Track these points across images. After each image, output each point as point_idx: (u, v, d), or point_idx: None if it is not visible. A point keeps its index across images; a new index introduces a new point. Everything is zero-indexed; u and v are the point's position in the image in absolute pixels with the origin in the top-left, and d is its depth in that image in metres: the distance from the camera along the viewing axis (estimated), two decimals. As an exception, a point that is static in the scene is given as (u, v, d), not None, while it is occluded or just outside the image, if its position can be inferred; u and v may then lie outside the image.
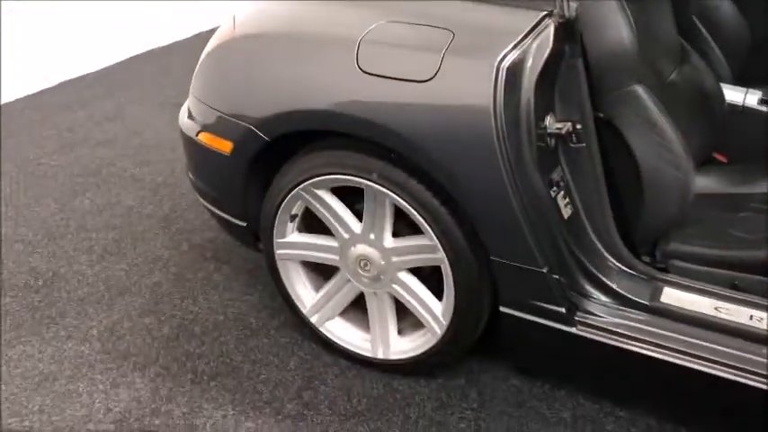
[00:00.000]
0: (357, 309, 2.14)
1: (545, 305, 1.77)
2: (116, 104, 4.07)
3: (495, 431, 1.92)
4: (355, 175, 1.86)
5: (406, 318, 2.08)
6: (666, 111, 1.83)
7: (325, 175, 1.90)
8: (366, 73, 1.74)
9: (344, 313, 2.17)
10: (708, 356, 1.65)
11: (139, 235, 2.85)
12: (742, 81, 2.36)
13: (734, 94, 2.26)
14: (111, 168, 3.37)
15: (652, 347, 1.70)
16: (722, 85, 2.26)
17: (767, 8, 2.57)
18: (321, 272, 2.17)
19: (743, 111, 2.23)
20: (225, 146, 2.00)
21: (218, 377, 2.15)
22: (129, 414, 2.03)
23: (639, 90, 1.77)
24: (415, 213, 1.83)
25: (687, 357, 1.67)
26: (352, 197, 1.97)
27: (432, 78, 1.67)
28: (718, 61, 2.41)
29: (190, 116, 2.15)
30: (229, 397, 2.08)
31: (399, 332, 2.10)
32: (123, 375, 2.17)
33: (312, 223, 2.08)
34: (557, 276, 1.74)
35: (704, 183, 2.11)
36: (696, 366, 1.66)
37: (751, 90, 2.27)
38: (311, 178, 1.92)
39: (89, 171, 3.35)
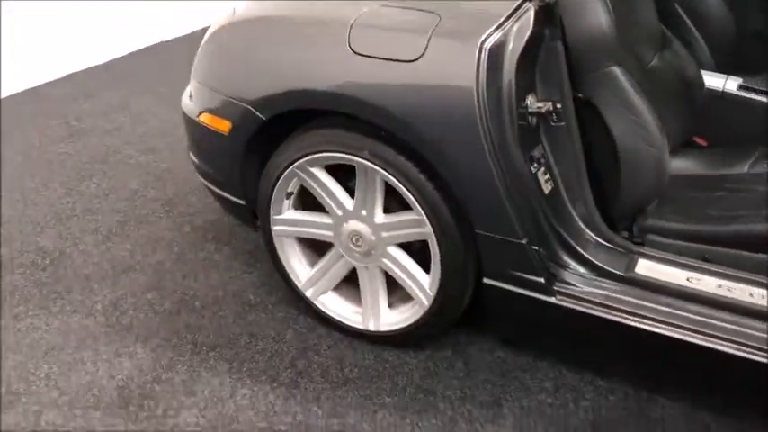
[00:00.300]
0: (349, 283, 2.24)
1: (525, 275, 1.87)
2: (122, 95, 4.16)
3: (479, 399, 2.01)
4: (347, 153, 1.96)
5: (396, 292, 2.17)
6: (645, 93, 1.93)
7: (319, 153, 2.00)
8: (357, 54, 1.83)
9: (338, 288, 2.26)
10: (679, 323, 1.75)
11: (143, 218, 2.95)
12: (726, 72, 2.43)
13: (714, 80, 2.35)
14: (117, 155, 3.47)
15: (626, 315, 1.79)
16: (703, 71, 2.35)
17: (752, 1, 2.65)
18: (315, 248, 2.27)
19: (722, 96, 2.32)
20: (224, 126, 2.10)
21: (217, 348, 2.24)
22: (132, 381, 2.13)
23: (617, 72, 1.86)
24: (404, 189, 1.92)
25: (660, 324, 1.76)
26: (345, 175, 2.07)
27: (418, 59, 1.76)
28: (701, 51, 2.49)
29: (191, 98, 2.25)
30: (227, 366, 2.17)
31: (389, 305, 2.19)
32: (126, 346, 2.27)
33: (307, 201, 2.18)
34: (536, 248, 1.83)
35: (683, 165, 2.21)
36: (668, 333, 1.75)
37: (731, 76, 2.36)
38: (305, 156, 2.02)
39: (95, 158, 3.45)
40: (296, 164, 2.04)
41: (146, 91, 4.19)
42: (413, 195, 1.92)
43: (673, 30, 2.34)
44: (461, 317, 2.11)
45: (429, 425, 1.95)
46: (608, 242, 1.89)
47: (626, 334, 1.79)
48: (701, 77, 2.31)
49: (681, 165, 2.20)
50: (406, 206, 1.98)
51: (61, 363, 2.21)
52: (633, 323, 1.78)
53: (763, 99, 2.27)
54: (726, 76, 2.35)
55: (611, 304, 1.80)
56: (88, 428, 1.99)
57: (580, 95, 1.87)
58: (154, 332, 2.32)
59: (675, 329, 1.74)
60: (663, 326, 1.76)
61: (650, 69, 2.12)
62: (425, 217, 1.93)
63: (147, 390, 2.10)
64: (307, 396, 2.06)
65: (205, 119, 2.16)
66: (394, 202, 2.03)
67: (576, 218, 1.90)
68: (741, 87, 2.31)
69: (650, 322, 1.77)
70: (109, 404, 2.06)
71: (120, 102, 4.07)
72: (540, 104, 1.80)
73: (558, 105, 1.82)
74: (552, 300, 1.86)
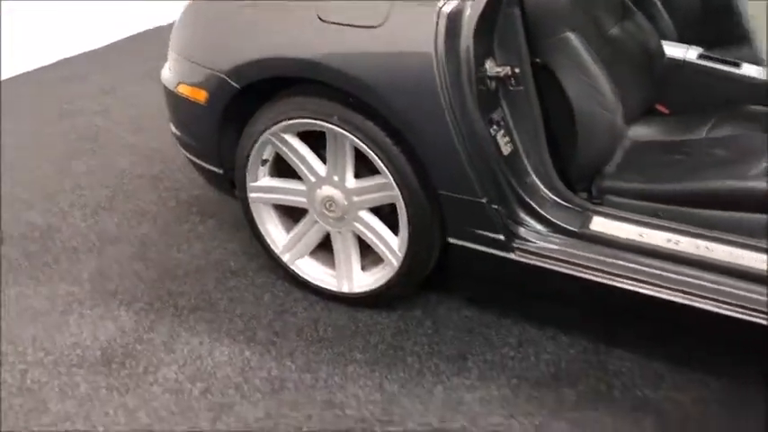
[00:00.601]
0: (324, 248, 2.32)
1: (486, 233, 1.95)
2: (113, 79, 4.25)
3: (446, 354, 2.10)
4: (317, 119, 2.04)
5: (369, 255, 2.26)
6: (603, 60, 2.01)
7: (290, 119, 2.08)
8: (325, 22, 1.92)
9: (313, 253, 2.35)
10: (630, 276, 1.83)
11: (131, 193, 3.04)
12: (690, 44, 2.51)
13: (675, 50, 2.43)
14: (107, 135, 3.56)
15: (580, 269, 1.87)
16: (664, 42, 2.43)
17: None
18: (291, 214, 2.35)
19: (683, 65, 2.40)
20: (201, 96, 2.19)
21: (198, 311, 2.34)
22: (115, 342, 2.23)
23: (572, 37, 1.95)
24: (372, 154, 2.01)
25: (612, 277, 1.85)
26: (318, 142, 2.15)
27: (381, 25, 1.85)
28: (665, 24, 2.57)
29: (170, 70, 2.33)
30: (206, 327, 2.27)
31: (362, 269, 2.28)
32: (110, 311, 2.36)
33: (282, 168, 2.26)
34: (496, 207, 1.92)
35: (645, 132, 2.30)
36: (620, 285, 1.84)
37: (693, 46, 2.44)
38: (278, 123, 2.10)
39: (85, 138, 3.54)
40: (269, 131, 2.13)
41: (137, 75, 4.27)
42: (380, 160, 2.00)
43: (637, 3, 2.41)
44: (431, 278, 2.19)
45: (397, 377, 2.04)
46: (565, 201, 1.97)
47: (580, 287, 1.88)
48: (662, 48, 2.39)
49: (642, 132, 2.29)
50: (375, 171, 2.07)
51: (47, 326, 2.30)
52: (587, 276, 1.86)
53: (722, 67, 2.35)
54: (687, 45, 2.43)
55: (565, 259, 1.89)
56: (71, 385, 2.08)
57: (537, 60, 1.96)
58: (137, 298, 2.41)
59: (627, 281, 1.83)
60: (615, 278, 1.84)
61: (610, 38, 2.20)
62: (393, 180, 2.02)
63: (128, 349, 2.19)
64: (282, 353, 2.15)
65: (183, 89, 2.25)
66: (364, 168, 2.12)
67: (535, 178, 1.98)
68: (701, 56, 2.39)
69: (603, 275, 1.85)
70: (92, 363, 2.15)
71: (112, 85, 4.16)
72: (498, 69, 1.89)
73: (517, 70, 1.90)
74: (512, 256, 1.94)
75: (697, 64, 2.39)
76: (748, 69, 2.32)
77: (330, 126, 2.03)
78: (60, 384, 2.08)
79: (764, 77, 2.31)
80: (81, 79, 4.25)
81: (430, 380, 2.02)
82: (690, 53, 2.41)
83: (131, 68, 4.38)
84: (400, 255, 2.12)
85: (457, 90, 1.82)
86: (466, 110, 1.84)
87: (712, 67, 2.37)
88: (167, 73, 2.36)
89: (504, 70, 1.88)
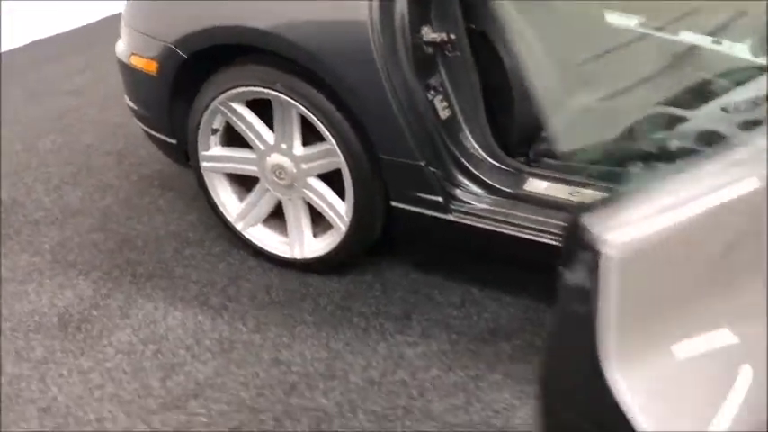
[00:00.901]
0: (278, 216, 2.39)
1: (425, 196, 2.02)
2: (85, 60, 4.28)
3: (392, 313, 2.18)
4: (262, 87, 2.10)
5: (321, 223, 2.32)
6: (539, 25, 2.07)
7: (237, 87, 2.14)
8: (266, -9, 1.98)
9: (267, 220, 2.41)
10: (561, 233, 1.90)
11: (95, 168, 3.09)
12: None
13: (622, 20, 2.48)
14: (75, 114, 3.60)
15: (516, 228, 1.94)
16: (606, 11, 2.48)
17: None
18: (244, 183, 2.41)
19: (622, 32, 2.46)
20: (151, 66, 2.24)
21: (154, 278, 2.40)
22: (72, 308, 2.29)
23: (507, 3, 2.00)
24: (316, 120, 2.07)
25: (546, 235, 1.91)
26: (269, 112, 2.21)
27: (320, -7, 1.90)
28: None
29: (123, 43, 2.38)
30: (162, 294, 2.33)
31: (314, 235, 2.34)
32: (69, 280, 2.42)
33: (235, 138, 2.32)
34: (433, 170, 1.98)
35: (583, 97, 2.35)
36: (554, 242, 1.90)
37: (634, 15, 2.49)
38: (226, 91, 2.16)
39: (54, 116, 3.58)
40: (217, 100, 2.18)
41: (109, 56, 4.28)
42: (324, 126, 2.07)
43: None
44: (382, 245, 2.26)
45: (343, 336, 2.11)
46: (501, 164, 2.04)
47: (516, 245, 1.95)
48: (601, 15, 2.44)
49: (581, 97, 2.34)
50: (322, 138, 2.13)
51: (6, 294, 2.36)
52: (521, 235, 1.93)
53: (660, 35, 2.40)
54: (629, 15, 2.48)
55: (501, 219, 1.95)
56: (28, 348, 2.14)
57: (473, 26, 2.02)
58: (96, 267, 2.48)
59: (559, 239, 1.90)
60: (548, 236, 1.91)
61: (546, 4, 2.25)
62: (336, 146, 2.08)
63: (85, 315, 2.26)
64: (233, 316, 2.22)
65: (135, 61, 2.30)
66: (312, 136, 2.18)
67: (472, 142, 2.05)
68: (641, 24, 2.44)
69: (536, 233, 1.92)
70: (49, 328, 2.22)
71: (83, 66, 4.19)
72: (434, 35, 1.95)
73: (453, 36, 1.96)
74: (450, 217, 2.01)
75: (642, 32, 2.44)
76: (685, 36, 2.38)
77: (275, 94, 2.09)
78: (17, 348, 2.15)
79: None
80: (55, 60, 4.28)
81: (374, 338, 2.10)
82: (630, 21, 2.46)
83: (105, 49, 4.38)
84: (347, 219, 2.19)
85: (393, 57, 1.88)
86: (402, 76, 1.91)
87: (652, 35, 2.42)
88: (121, 46, 2.41)
89: (441, 36, 1.94)
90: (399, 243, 2.37)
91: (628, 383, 0.70)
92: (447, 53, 1.99)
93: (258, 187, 2.34)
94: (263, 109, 2.20)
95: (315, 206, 2.26)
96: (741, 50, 2.02)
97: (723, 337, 0.75)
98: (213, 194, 2.40)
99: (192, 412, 1.90)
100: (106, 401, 1.95)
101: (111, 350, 2.12)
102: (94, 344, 2.14)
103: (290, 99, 2.08)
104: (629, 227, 0.78)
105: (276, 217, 2.39)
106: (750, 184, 0.77)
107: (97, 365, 2.07)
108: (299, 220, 2.31)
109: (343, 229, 2.21)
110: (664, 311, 0.75)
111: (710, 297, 0.76)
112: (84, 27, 4.79)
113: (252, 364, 2.04)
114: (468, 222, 1.99)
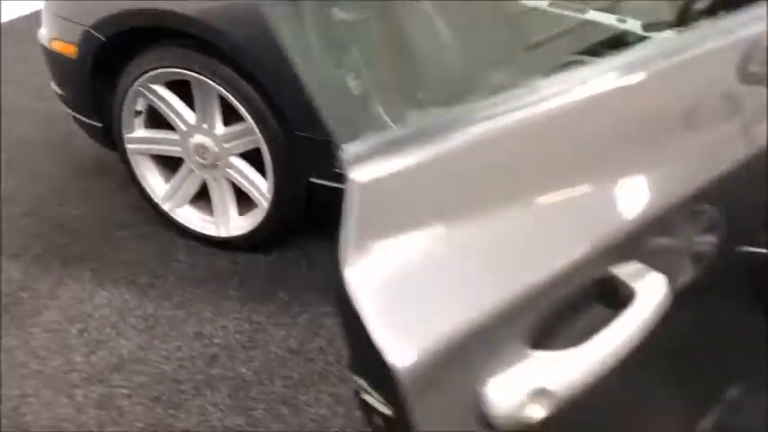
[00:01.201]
0: (204, 197, 2.43)
1: (341, 171, 2.07)
2: (24, 50, 4.26)
3: (316, 287, 2.24)
4: (180, 68, 2.14)
5: (247, 204, 2.37)
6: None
7: (156, 69, 2.18)
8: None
9: (193, 201, 2.46)
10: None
11: (29, 156, 3.10)
12: None
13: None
14: (11, 105, 3.60)
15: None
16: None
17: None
18: (170, 164, 2.45)
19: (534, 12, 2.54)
20: (71, 50, 2.27)
21: (83, 260, 2.43)
22: (0, 291, 2.32)
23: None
24: (233, 100, 2.12)
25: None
26: (191, 93, 2.25)
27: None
28: None
29: (44, 28, 2.41)
30: (90, 274, 2.37)
31: (241, 215, 2.39)
32: (-1, 264, 2.45)
33: (161, 120, 2.36)
34: (349, 144, 2.04)
35: (500, 76, 2.43)
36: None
37: (546, -6, 2.57)
38: (146, 73, 2.20)
39: (-10, 107, 3.57)
40: (138, 81, 2.22)
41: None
42: (242, 105, 2.12)
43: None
44: (309, 224, 2.32)
45: (266, 310, 2.17)
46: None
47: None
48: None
49: (499, 76, 2.42)
50: (242, 118, 2.18)
51: (-68, 282, 2.38)
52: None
53: (571, 13, 2.49)
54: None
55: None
56: (-47, 331, 2.17)
57: (383, 6, 2.08)
58: (26, 250, 2.50)
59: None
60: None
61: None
62: (254, 124, 2.13)
63: (13, 297, 2.29)
64: (160, 294, 2.26)
65: (56, 45, 2.33)
66: (234, 116, 2.23)
67: (386, 117, 2.11)
68: (552, 4, 2.53)
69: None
70: (-25, 311, 2.24)
71: (21, 55, 4.18)
72: (345, 15, 2.00)
73: (363, 15, 2.02)
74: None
75: (547, 10, 2.53)
76: (594, 15, 2.47)
77: (193, 74, 2.13)
78: (-58, 332, 2.17)
79: (612, 21, 2.46)
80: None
81: (296, 310, 2.16)
82: (542, 2, 2.55)
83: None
84: (269, 197, 2.24)
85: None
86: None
87: (563, 14, 2.51)
88: (43, 31, 2.43)
89: (351, 15, 2.00)
90: (324, 220, 2.42)
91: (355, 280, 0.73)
92: (358, 29, 2.04)
93: (183, 168, 2.38)
94: (185, 90, 2.24)
95: (238, 185, 2.31)
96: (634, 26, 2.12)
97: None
98: (140, 176, 2.44)
99: (113, 385, 1.95)
100: (30, 377, 1.99)
101: (37, 330, 2.15)
102: (21, 324, 2.17)
103: (207, 79, 2.12)
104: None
105: (203, 197, 2.44)
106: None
107: (23, 344, 2.10)
108: (223, 198, 2.36)
109: (266, 206, 2.27)
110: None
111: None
112: (25, 17, 4.76)
113: (175, 338, 2.09)
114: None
